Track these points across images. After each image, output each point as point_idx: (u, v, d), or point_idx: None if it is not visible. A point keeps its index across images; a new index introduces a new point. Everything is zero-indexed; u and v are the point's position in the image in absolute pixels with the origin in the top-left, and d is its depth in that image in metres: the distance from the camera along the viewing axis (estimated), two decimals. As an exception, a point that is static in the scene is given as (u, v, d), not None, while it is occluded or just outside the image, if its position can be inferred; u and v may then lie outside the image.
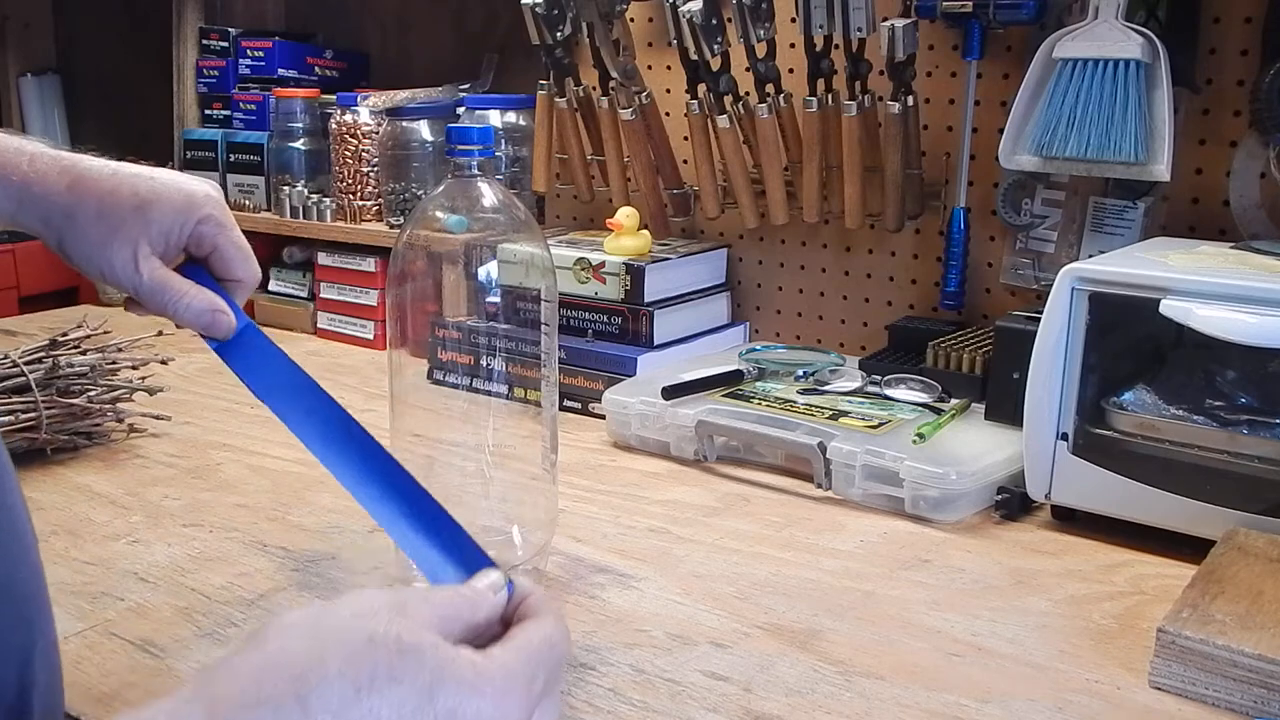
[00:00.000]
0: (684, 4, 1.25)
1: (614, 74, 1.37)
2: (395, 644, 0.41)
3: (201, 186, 0.74)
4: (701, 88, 1.31)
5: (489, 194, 0.81)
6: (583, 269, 1.34)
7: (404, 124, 1.63)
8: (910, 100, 1.23)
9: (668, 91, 1.44)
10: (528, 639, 0.44)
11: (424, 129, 1.63)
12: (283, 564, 0.87)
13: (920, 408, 1.12)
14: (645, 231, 1.38)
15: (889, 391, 1.15)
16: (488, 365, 0.84)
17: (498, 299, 0.82)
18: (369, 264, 1.64)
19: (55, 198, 0.69)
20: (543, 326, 0.82)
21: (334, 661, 0.40)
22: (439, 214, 0.82)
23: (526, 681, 0.43)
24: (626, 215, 1.34)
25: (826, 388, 1.18)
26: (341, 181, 1.69)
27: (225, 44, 1.90)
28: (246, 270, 0.75)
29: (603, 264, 1.33)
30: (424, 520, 0.55)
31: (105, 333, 1.21)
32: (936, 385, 1.14)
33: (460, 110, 1.62)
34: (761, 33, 1.25)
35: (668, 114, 1.40)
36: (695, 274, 1.40)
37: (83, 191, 0.70)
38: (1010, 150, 1.13)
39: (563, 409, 1.23)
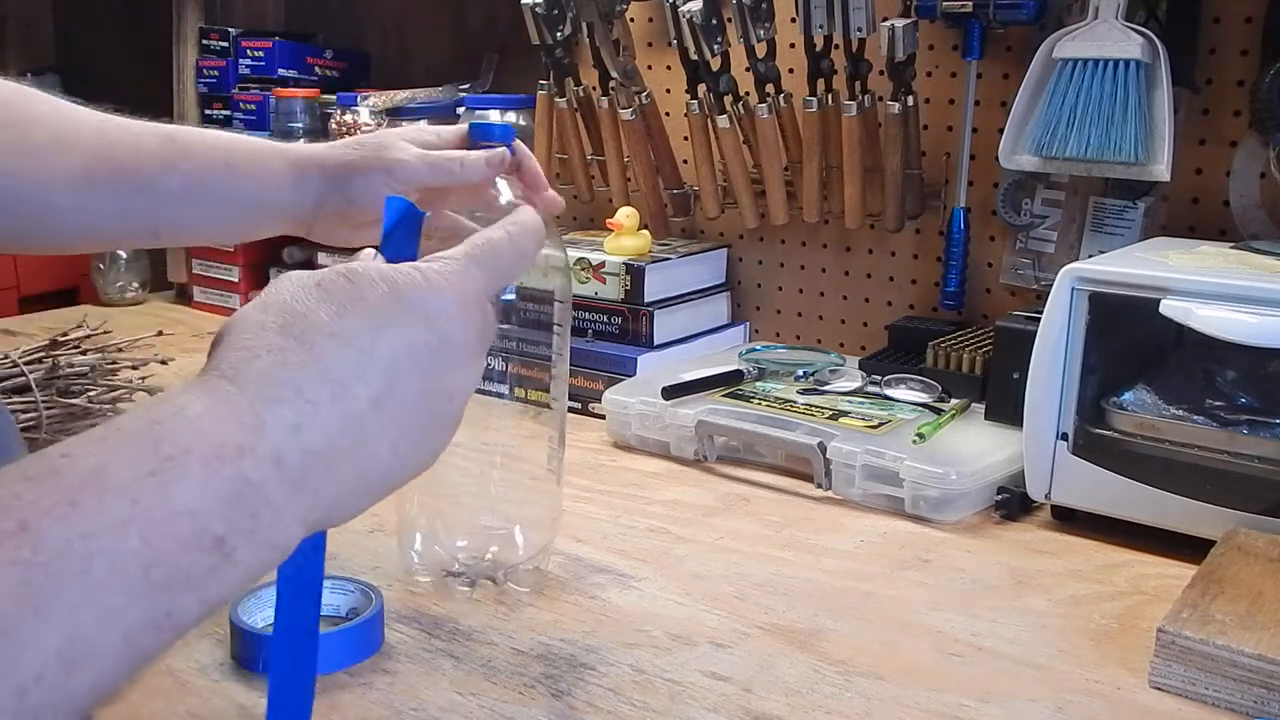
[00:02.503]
0: (684, 4, 1.25)
1: (614, 74, 1.37)
2: (343, 274, 0.42)
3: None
4: (701, 88, 1.31)
5: (506, 191, 0.81)
6: (583, 269, 1.34)
7: (404, 124, 1.63)
8: (910, 100, 1.23)
9: (668, 91, 1.44)
10: (472, 242, 0.48)
11: (424, 129, 1.63)
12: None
13: (920, 408, 1.12)
14: (645, 231, 1.38)
15: (889, 391, 1.15)
16: (492, 365, 0.84)
17: (511, 297, 0.82)
18: (369, 264, 1.64)
19: (323, 170, 0.72)
20: (555, 327, 0.81)
21: (303, 304, 0.40)
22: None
23: (472, 278, 0.45)
24: (626, 215, 1.34)
25: (826, 388, 1.18)
26: (341, 181, 1.69)
27: (225, 44, 1.90)
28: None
29: (603, 264, 1.33)
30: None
31: (105, 333, 1.21)
32: (936, 385, 1.14)
33: (460, 110, 1.62)
34: (761, 33, 1.25)
35: (668, 114, 1.40)
36: (695, 274, 1.40)
37: (325, 154, 0.73)
38: (1010, 150, 1.13)
39: (563, 409, 1.23)
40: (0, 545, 0.30)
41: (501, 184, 0.75)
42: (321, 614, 0.75)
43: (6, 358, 1.09)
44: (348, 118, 1.67)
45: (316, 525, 0.39)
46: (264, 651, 0.72)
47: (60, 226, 0.67)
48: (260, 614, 0.76)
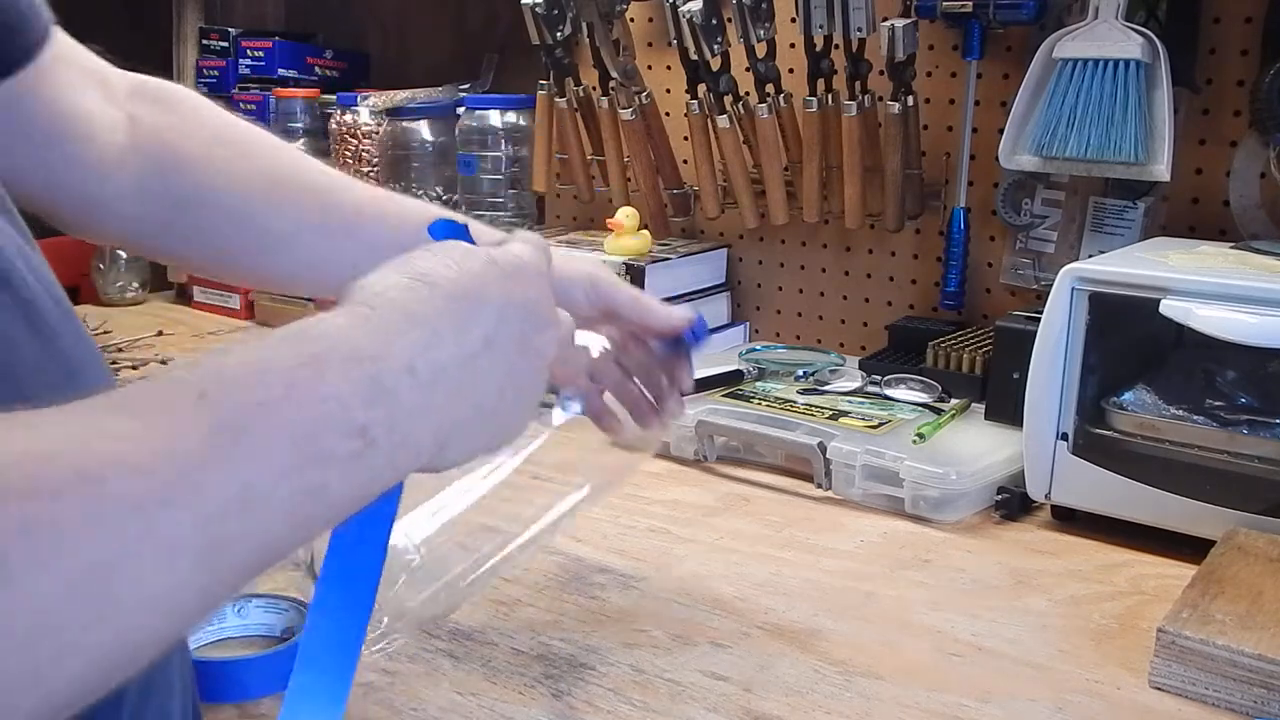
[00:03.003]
0: (684, 4, 1.25)
1: (614, 74, 1.37)
2: (450, 244, 0.48)
3: None
4: (701, 88, 1.31)
5: (594, 347, 0.76)
6: (583, 269, 1.34)
7: (404, 124, 1.63)
8: (910, 100, 1.23)
9: (668, 91, 1.44)
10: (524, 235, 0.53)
11: (424, 129, 1.63)
12: (282, 564, 0.87)
13: (920, 408, 1.12)
14: (645, 231, 1.38)
15: (889, 391, 1.15)
16: None
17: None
18: (369, 264, 1.64)
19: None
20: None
21: (424, 261, 0.46)
22: None
23: (542, 258, 0.51)
24: (626, 215, 1.34)
25: (826, 388, 1.18)
26: (341, 181, 1.69)
27: (225, 44, 1.90)
28: None
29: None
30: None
31: (105, 332, 1.21)
32: (936, 385, 1.14)
33: (460, 110, 1.62)
34: (761, 33, 1.25)
35: (668, 114, 1.40)
36: (695, 274, 1.40)
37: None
38: (1010, 150, 1.13)
39: (563, 409, 1.23)
40: (184, 406, 0.35)
41: (591, 340, 0.73)
42: (255, 634, 0.74)
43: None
44: (348, 118, 1.67)
45: (442, 448, 0.43)
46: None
47: (287, 261, 0.70)
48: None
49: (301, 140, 1.77)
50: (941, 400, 1.13)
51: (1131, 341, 0.98)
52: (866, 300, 1.37)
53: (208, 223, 0.65)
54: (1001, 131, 1.13)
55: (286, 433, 0.37)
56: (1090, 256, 1.09)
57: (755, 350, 1.31)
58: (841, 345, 1.38)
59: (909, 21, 1.19)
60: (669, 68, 1.44)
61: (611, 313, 0.71)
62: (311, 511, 0.38)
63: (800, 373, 1.22)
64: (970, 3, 1.15)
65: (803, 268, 1.42)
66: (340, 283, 0.71)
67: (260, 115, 1.84)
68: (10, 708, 0.30)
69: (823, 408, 1.11)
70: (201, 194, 0.66)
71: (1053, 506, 0.96)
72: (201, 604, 0.35)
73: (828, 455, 1.01)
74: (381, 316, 0.42)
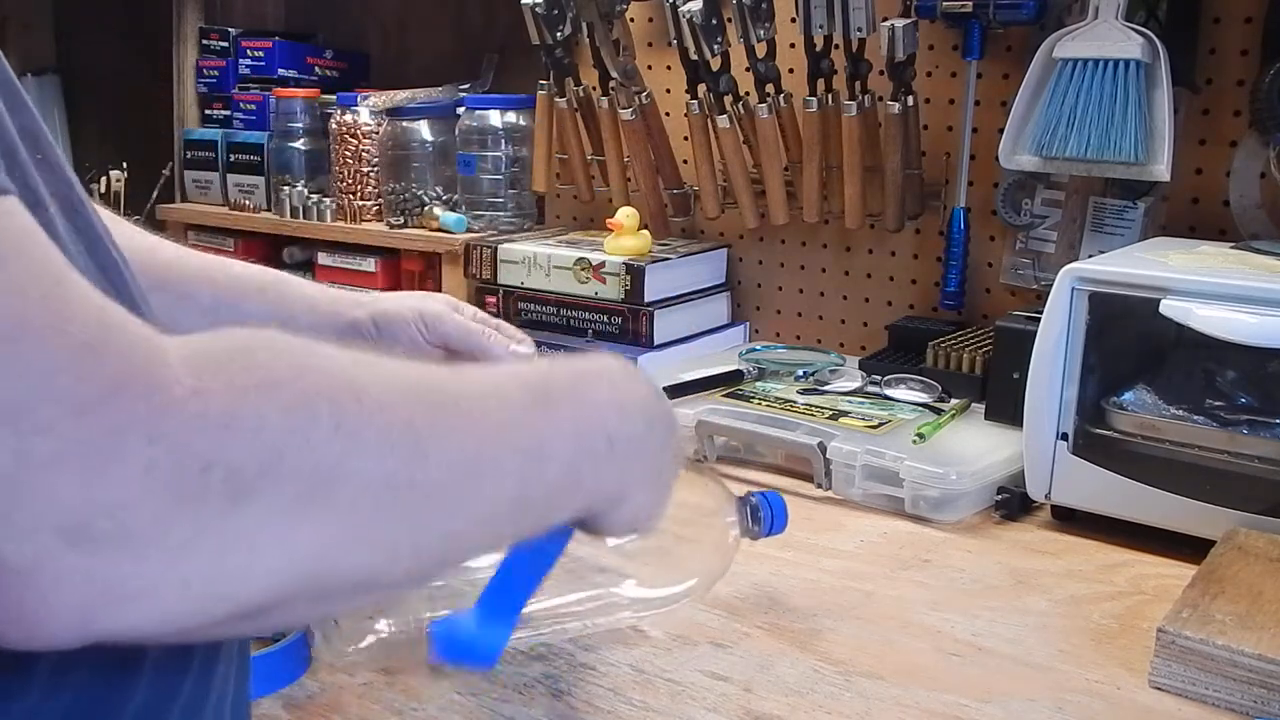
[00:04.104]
0: (684, 4, 1.25)
1: (614, 74, 1.37)
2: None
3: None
4: (701, 88, 1.31)
5: None
6: (583, 269, 1.34)
7: (404, 124, 1.63)
8: (910, 100, 1.23)
9: (668, 91, 1.44)
10: None
11: (424, 129, 1.63)
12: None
13: (920, 408, 1.12)
14: (645, 231, 1.38)
15: (889, 391, 1.15)
16: None
17: None
18: (369, 264, 1.64)
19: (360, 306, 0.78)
20: None
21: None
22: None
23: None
24: (626, 215, 1.34)
25: (826, 388, 1.18)
26: (341, 181, 1.69)
27: (225, 44, 1.90)
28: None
29: (603, 264, 1.33)
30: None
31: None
32: (936, 385, 1.14)
33: (460, 110, 1.62)
34: (761, 33, 1.25)
35: (668, 114, 1.40)
36: (695, 274, 1.40)
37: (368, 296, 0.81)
38: (1010, 150, 1.13)
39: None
40: (508, 381, 0.48)
41: None
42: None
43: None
44: (348, 118, 1.67)
45: (633, 487, 0.52)
46: None
47: None
48: None
49: (301, 140, 1.78)
50: (941, 400, 1.13)
51: (1131, 341, 0.98)
52: (866, 300, 1.37)
53: None
54: (1001, 131, 1.13)
55: (571, 419, 0.48)
56: (1090, 256, 1.09)
57: (755, 350, 1.31)
58: (841, 345, 1.38)
59: (909, 21, 1.19)
60: (669, 68, 1.44)
61: (444, 344, 0.76)
62: (569, 489, 0.48)
63: (800, 373, 1.22)
64: (970, 3, 1.15)
65: (803, 268, 1.42)
66: None
67: (260, 115, 1.84)
68: (395, 546, 0.39)
69: (823, 408, 1.11)
70: None
71: (1053, 506, 0.96)
72: (508, 522, 0.45)
73: (828, 455, 1.01)
74: (607, 381, 0.53)
